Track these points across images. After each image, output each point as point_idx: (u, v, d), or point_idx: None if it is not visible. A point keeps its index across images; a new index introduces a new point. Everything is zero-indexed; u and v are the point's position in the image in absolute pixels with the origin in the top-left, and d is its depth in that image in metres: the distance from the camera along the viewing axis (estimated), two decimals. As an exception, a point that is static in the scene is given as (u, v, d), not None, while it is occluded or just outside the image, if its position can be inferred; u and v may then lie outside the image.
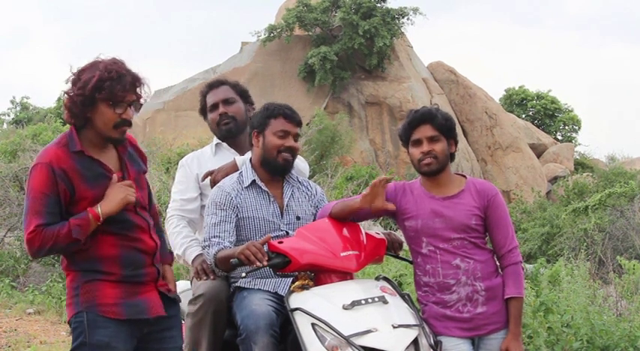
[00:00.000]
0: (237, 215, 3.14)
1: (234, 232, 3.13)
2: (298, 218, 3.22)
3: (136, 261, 2.69)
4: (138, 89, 2.70)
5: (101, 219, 2.59)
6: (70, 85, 2.67)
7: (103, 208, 2.59)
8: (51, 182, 2.58)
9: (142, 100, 2.75)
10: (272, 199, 3.22)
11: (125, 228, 2.69)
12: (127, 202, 2.64)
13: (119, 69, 2.65)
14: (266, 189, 3.22)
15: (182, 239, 3.43)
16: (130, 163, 2.81)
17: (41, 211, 2.56)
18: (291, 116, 3.23)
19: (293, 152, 3.22)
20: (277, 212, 3.20)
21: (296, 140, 3.25)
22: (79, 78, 2.65)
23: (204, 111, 3.70)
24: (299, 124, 3.27)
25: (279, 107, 3.25)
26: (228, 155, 3.56)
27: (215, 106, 3.61)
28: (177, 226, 3.48)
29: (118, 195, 2.63)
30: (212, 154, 3.63)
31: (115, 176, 2.68)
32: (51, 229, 2.55)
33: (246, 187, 3.20)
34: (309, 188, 3.36)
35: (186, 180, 3.59)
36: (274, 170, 3.23)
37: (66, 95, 2.68)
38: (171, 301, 2.82)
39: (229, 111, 3.58)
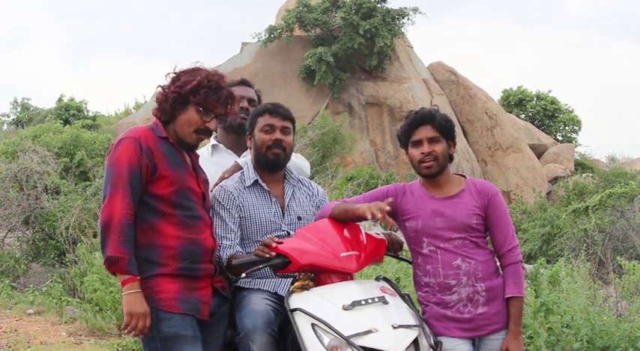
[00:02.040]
0: (239, 214, 3.15)
1: (239, 231, 3.14)
2: (299, 218, 3.22)
3: (194, 255, 2.75)
4: (229, 106, 2.84)
5: (122, 287, 2.61)
6: (168, 82, 2.79)
7: (127, 295, 2.59)
8: (137, 155, 2.66)
9: (228, 117, 2.92)
10: (274, 200, 3.21)
11: (191, 216, 2.76)
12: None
13: (219, 81, 2.78)
14: (268, 189, 3.22)
15: None
16: (199, 169, 2.94)
17: (126, 184, 2.62)
18: (274, 111, 3.23)
19: (282, 146, 3.20)
20: (279, 212, 3.20)
21: (285, 134, 3.23)
22: (179, 78, 2.77)
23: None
24: (287, 117, 3.25)
25: (264, 105, 3.30)
26: (225, 156, 3.58)
27: (241, 99, 3.64)
28: None
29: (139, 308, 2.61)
30: (209, 155, 3.62)
31: None
32: (123, 227, 2.58)
33: (248, 187, 3.20)
34: (311, 188, 3.36)
35: None
36: (267, 166, 3.23)
37: (160, 89, 2.79)
38: (224, 298, 2.93)
39: (251, 110, 3.60)
